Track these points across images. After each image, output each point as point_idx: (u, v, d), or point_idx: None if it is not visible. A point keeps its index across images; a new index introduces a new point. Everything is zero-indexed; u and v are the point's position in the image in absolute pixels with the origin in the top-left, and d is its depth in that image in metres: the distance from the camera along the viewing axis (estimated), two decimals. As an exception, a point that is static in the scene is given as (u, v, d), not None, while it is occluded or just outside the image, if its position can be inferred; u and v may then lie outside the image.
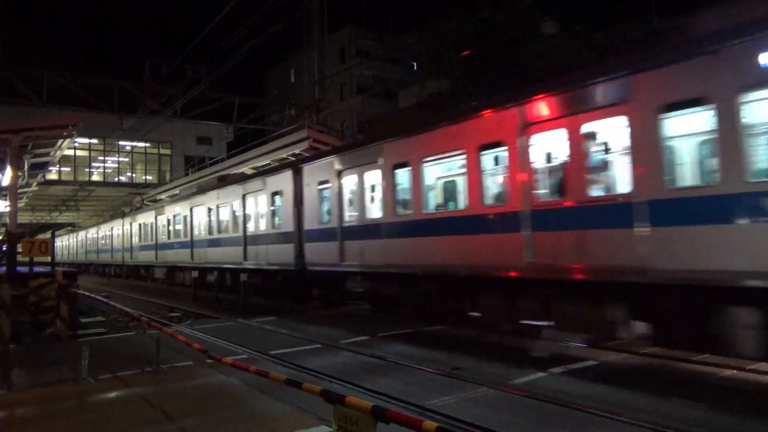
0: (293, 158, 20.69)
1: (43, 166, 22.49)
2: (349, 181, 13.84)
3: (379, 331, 11.28)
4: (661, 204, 7.33)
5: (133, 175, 46.97)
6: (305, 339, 10.78)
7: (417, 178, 11.57)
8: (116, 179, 45.73)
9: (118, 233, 37.22)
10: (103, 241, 42.30)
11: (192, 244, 23.49)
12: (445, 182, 11.78)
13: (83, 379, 7.70)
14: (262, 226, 17.83)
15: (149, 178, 46.68)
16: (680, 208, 7.14)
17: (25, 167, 20.28)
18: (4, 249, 14.58)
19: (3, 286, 10.83)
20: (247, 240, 18.45)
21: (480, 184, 10.22)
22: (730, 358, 7.25)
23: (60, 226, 58.85)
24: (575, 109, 8.48)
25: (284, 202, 16.37)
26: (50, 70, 21.75)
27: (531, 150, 9.15)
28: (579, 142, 8.48)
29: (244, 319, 14.03)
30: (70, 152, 39.94)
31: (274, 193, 17.01)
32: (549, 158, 9.17)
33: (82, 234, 51.90)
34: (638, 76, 7.68)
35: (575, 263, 8.33)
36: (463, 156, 10.53)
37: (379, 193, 13.02)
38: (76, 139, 26.11)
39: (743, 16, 6.89)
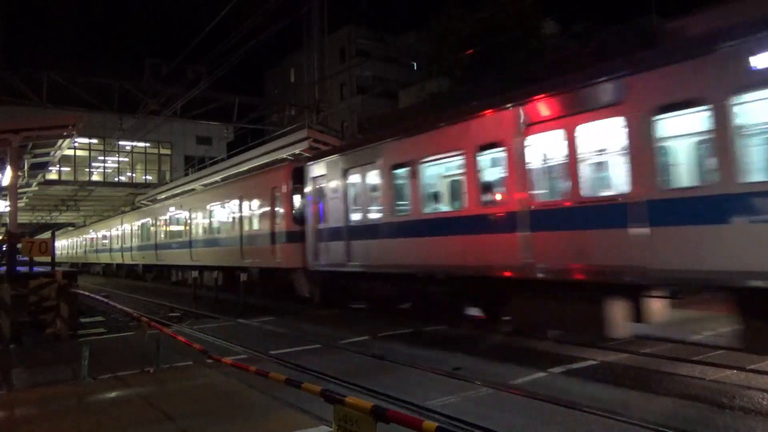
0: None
1: (43, 166, 22.49)
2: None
3: (379, 331, 11.27)
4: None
5: (133, 175, 46.93)
6: (305, 339, 10.78)
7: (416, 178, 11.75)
8: (116, 179, 45.69)
9: (102, 238, 42.07)
10: (101, 243, 44.83)
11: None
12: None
13: (83, 379, 7.71)
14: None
15: (149, 178, 46.63)
16: None
17: (25, 167, 20.28)
18: (4, 249, 14.58)
19: (3, 286, 10.90)
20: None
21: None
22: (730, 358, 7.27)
23: (60, 226, 58.82)
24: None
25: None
26: (50, 70, 21.75)
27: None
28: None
29: (244, 319, 14.03)
30: (70, 152, 39.88)
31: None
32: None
33: (74, 236, 55.69)
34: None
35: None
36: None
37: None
38: (76, 139, 26.11)
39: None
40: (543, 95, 8.97)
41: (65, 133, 15.30)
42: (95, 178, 42.78)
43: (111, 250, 38.58)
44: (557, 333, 9.49)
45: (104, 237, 41.10)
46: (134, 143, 43.36)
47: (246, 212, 18.88)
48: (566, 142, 8.51)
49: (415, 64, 44.65)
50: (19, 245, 12.81)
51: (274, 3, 14.75)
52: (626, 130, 7.75)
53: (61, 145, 17.17)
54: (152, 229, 29.22)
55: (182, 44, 31.89)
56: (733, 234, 6.59)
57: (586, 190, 8.45)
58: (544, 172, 9.19)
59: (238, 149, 29.99)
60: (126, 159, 46.53)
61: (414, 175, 11.51)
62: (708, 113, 6.86)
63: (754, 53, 6.40)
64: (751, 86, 6.48)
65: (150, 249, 29.50)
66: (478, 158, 10.07)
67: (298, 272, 15.99)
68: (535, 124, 9.00)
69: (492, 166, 10.11)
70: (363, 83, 48.86)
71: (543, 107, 8.96)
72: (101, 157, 44.13)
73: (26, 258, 12.71)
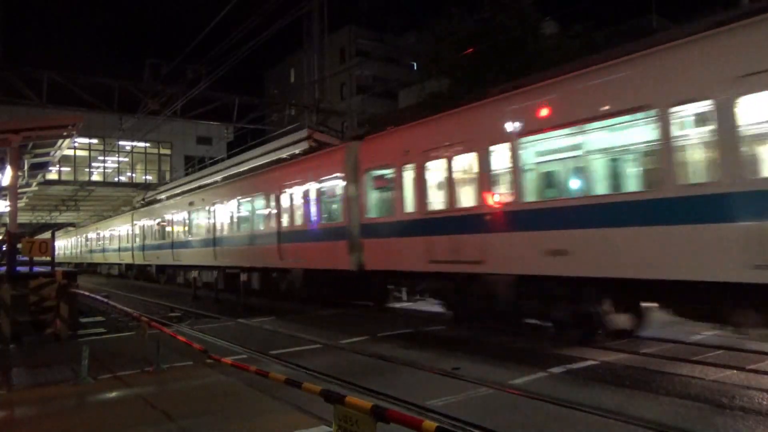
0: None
1: (43, 166, 22.48)
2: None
3: (379, 331, 11.28)
4: None
5: (133, 175, 46.93)
6: (305, 339, 10.79)
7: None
8: (116, 179, 45.69)
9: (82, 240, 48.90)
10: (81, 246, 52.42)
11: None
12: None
13: (83, 379, 7.71)
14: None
15: (149, 178, 46.63)
16: None
17: (25, 167, 20.28)
18: (4, 249, 14.58)
19: (3, 286, 10.90)
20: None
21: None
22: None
23: (60, 226, 58.84)
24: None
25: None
26: (50, 70, 21.76)
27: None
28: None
29: (244, 319, 14.03)
30: (70, 152, 39.87)
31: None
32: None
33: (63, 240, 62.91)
34: None
35: None
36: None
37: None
38: (76, 139, 26.11)
39: None
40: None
41: (65, 133, 15.29)
42: (95, 178, 42.78)
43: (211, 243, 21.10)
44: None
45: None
46: (134, 143, 43.36)
47: None
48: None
49: (415, 64, 44.62)
50: (19, 245, 12.81)
51: (274, 3, 14.76)
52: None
53: (61, 145, 17.16)
54: None
55: (182, 44, 31.92)
56: None
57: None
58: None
59: (238, 149, 30.02)
60: (126, 159, 46.53)
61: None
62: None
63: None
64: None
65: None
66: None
67: None
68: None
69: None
70: (363, 83, 48.84)
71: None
72: (101, 157, 44.12)
73: (26, 258, 12.71)
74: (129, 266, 35.29)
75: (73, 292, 12.22)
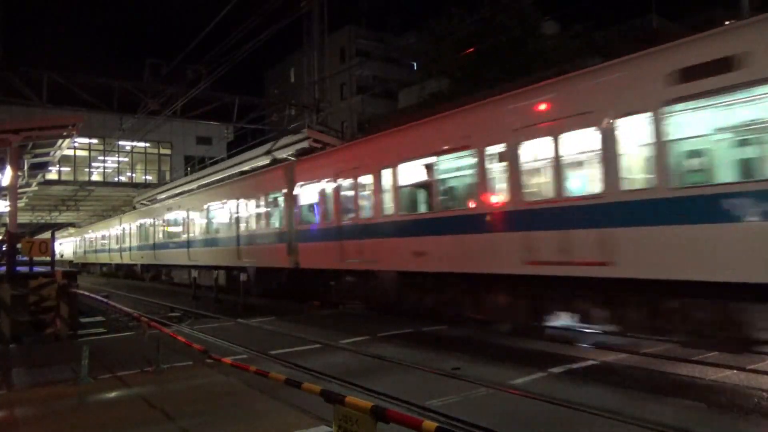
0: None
1: (43, 166, 22.51)
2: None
3: (379, 331, 11.28)
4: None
5: (133, 175, 46.95)
6: (305, 339, 10.78)
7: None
8: (116, 179, 45.71)
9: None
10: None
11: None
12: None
13: (83, 379, 7.71)
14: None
15: (149, 178, 46.65)
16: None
17: (25, 167, 20.29)
18: (4, 249, 14.58)
19: (3, 286, 10.91)
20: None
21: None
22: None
23: (60, 226, 58.88)
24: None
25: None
26: (50, 70, 21.71)
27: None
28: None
29: (244, 319, 14.03)
30: (70, 152, 39.89)
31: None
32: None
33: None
34: None
35: None
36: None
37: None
38: (76, 139, 26.10)
39: None
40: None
41: (65, 133, 15.30)
42: (95, 178, 42.80)
43: None
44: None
45: None
46: (134, 143, 43.39)
47: None
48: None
49: (415, 64, 44.62)
50: (19, 245, 12.81)
51: (274, 3, 14.74)
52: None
53: (61, 145, 17.18)
54: None
55: (182, 44, 31.84)
56: None
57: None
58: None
59: (238, 149, 30.00)
60: (126, 159, 46.56)
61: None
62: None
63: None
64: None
65: None
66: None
67: None
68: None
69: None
70: (363, 83, 48.85)
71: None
72: (101, 157, 44.15)
73: (26, 258, 12.71)
74: (230, 270, 20.72)
75: (73, 292, 12.22)
